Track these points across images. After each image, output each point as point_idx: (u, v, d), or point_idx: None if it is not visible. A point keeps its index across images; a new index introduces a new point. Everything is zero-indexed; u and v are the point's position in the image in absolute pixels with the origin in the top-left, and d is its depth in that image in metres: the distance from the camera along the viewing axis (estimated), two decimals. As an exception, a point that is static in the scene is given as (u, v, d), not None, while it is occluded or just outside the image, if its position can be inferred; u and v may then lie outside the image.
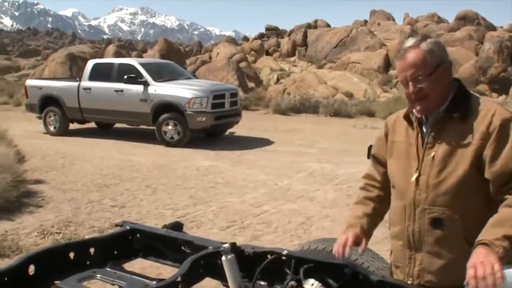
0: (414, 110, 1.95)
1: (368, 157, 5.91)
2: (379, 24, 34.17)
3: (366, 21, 36.01)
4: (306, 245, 2.68)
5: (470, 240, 1.76)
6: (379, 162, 2.18)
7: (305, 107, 17.56)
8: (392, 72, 23.43)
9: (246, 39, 40.53)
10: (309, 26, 33.12)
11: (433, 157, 1.86)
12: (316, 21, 34.61)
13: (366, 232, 2.06)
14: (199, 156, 9.65)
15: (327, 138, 12.16)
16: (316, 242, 2.71)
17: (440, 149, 1.86)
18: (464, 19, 32.00)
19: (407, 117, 1.99)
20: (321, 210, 6.21)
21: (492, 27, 31.50)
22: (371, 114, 16.74)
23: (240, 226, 5.57)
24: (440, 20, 34.80)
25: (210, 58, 28.90)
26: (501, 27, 32.77)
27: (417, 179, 1.89)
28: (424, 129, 1.93)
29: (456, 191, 1.82)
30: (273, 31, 37.30)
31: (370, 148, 5.79)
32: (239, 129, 12.38)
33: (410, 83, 1.86)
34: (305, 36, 31.05)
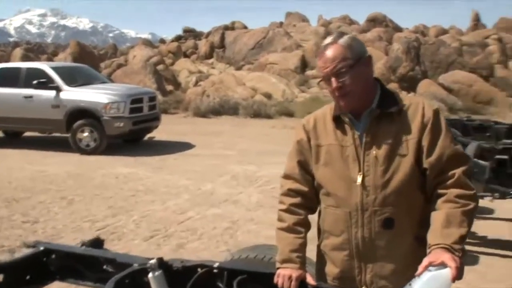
0: (341, 110, 1.90)
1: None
2: (294, 25, 34.87)
3: (281, 23, 36.61)
4: (236, 254, 2.58)
5: (418, 236, 1.82)
6: (306, 170, 1.98)
7: (225, 109, 17.52)
8: (309, 72, 23.97)
9: (163, 41, 39.82)
10: (226, 27, 33.08)
11: (376, 157, 1.82)
12: (233, 23, 34.64)
13: (304, 265, 1.92)
14: (118, 163, 9.28)
15: (247, 140, 12.17)
16: (246, 251, 2.62)
17: (381, 147, 1.82)
18: (374, 21, 33.44)
19: (336, 119, 1.91)
20: (246, 214, 6.15)
21: (399, 29, 33.17)
22: (290, 114, 17.02)
23: (164, 235, 5.37)
24: (352, 22, 36.14)
25: (126, 61, 28.02)
26: (407, 28, 34.63)
27: (363, 181, 1.83)
28: (357, 129, 1.87)
29: (404, 188, 1.81)
30: (191, 33, 36.89)
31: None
32: (158, 134, 12.07)
33: (333, 79, 1.81)
34: (222, 37, 30.99)
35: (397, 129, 1.83)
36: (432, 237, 1.72)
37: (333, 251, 1.94)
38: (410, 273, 1.69)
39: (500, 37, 27.58)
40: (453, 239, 1.67)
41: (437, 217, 1.75)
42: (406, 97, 1.94)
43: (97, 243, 2.63)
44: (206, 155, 10.10)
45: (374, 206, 1.81)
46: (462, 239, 1.68)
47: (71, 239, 5.15)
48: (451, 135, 1.85)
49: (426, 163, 1.80)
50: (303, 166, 1.98)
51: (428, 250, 1.70)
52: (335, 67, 1.80)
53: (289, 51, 26.41)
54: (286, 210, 1.97)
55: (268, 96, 20.45)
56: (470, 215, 1.75)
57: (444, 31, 31.30)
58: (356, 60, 1.82)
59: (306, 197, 1.98)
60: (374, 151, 1.82)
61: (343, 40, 1.83)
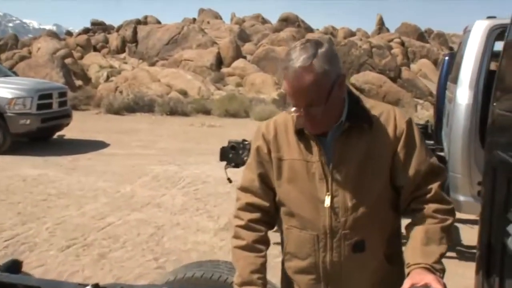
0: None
1: (221, 159, 5.64)
2: (208, 22, 34.56)
3: (195, 19, 36.15)
4: (180, 272, 2.31)
5: (388, 255, 1.71)
6: (267, 184, 1.75)
7: (140, 106, 16.93)
8: (224, 70, 23.84)
9: (69, 33, 37.87)
10: (138, 22, 32.04)
11: (345, 175, 1.62)
12: (146, 17, 33.67)
13: (265, 287, 1.72)
14: (25, 164, 8.53)
15: (165, 138, 11.79)
16: (190, 268, 2.36)
17: (351, 164, 1.62)
18: (286, 20, 33.95)
19: (299, 131, 1.67)
20: (171, 218, 5.85)
21: (310, 29, 33.97)
22: (207, 112, 16.80)
23: (83, 244, 4.92)
24: (264, 21, 36.44)
25: (30, 53, 26.27)
26: (317, 29, 35.60)
27: (332, 202, 1.63)
28: (324, 144, 1.65)
29: (375, 208, 1.64)
30: (99, 26, 35.33)
31: (223, 149, 5.52)
32: (69, 132, 11.31)
33: (302, 110, 1.57)
34: (135, 32, 29.98)
35: (368, 144, 1.63)
36: (411, 256, 1.59)
37: (297, 274, 1.76)
38: None
39: (402, 41, 29.18)
40: (434, 258, 1.56)
41: (415, 234, 1.62)
42: (374, 104, 1.72)
43: (14, 266, 2.25)
44: (123, 154, 9.59)
45: (344, 229, 1.64)
46: (442, 258, 1.59)
47: (-26, 253, 4.58)
48: (426, 147, 1.69)
49: (401, 181, 1.65)
50: (264, 179, 1.76)
51: (407, 270, 1.59)
52: (306, 100, 1.55)
53: (204, 48, 26.11)
54: (244, 227, 1.74)
55: (184, 93, 20.05)
56: (449, 231, 1.64)
57: (351, 33, 32.50)
58: (330, 88, 1.56)
59: (266, 212, 1.76)
60: (343, 169, 1.63)
61: (317, 64, 1.52)
